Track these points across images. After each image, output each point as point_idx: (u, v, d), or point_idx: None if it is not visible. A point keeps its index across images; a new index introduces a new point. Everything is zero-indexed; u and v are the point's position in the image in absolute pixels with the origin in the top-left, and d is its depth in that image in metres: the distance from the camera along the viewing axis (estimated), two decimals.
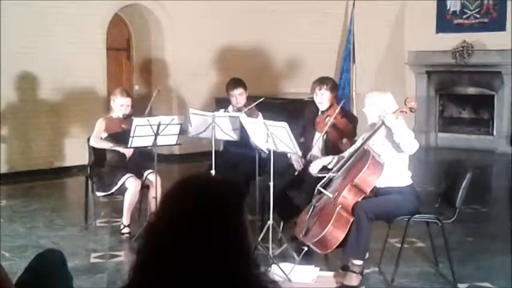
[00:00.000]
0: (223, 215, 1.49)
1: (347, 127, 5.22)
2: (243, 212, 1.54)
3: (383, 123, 4.30)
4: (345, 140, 5.09)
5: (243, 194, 1.59)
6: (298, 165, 5.30)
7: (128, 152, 5.58)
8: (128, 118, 5.63)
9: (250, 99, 5.90)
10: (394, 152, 4.35)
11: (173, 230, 1.47)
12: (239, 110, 5.67)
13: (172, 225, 1.48)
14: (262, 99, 5.46)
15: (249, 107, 5.60)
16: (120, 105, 5.69)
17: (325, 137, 5.27)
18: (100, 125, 5.72)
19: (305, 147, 5.24)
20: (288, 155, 5.20)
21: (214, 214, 1.48)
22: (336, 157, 4.75)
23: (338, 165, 4.50)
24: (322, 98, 5.28)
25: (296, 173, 5.31)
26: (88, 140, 5.86)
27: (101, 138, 5.69)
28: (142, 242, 1.53)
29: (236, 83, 5.91)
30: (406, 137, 4.25)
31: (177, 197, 1.53)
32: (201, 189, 1.53)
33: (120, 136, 5.58)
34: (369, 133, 4.46)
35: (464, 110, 11.08)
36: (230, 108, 5.90)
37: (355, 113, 8.79)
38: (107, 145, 5.66)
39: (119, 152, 5.61)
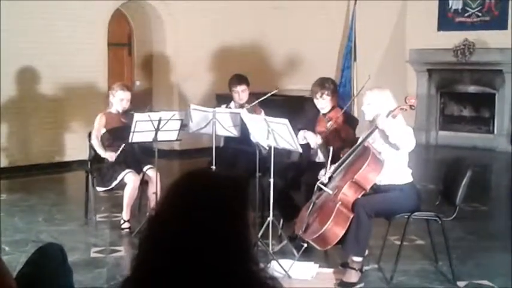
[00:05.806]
0: (226, 210, 1.49)
1: (348, 134, 5.06)
2: (247, 208, 1.53)
3: (376, 127, 4.30)
4: (346, 150, 4.91)
5: (247, 189, 1.59)
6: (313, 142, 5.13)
7: (111, 157, 5.56)
8: (127, 112, 5.63)
9: (251, 95, 5.89)
10: (393, 150, 4.35)
11: (175, 223, 1.47)
12: (241, 106, 5.66)
13: (175, 219, 1.47)
14: (273, 91, 5.33)
15: (252, 104, 5.58)
16: (120, 99, 5.67)
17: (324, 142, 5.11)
18: (100, 120, 5.71)
19: (305, 146, 5.19)
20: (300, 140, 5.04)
21: (217, 209, 1.47)
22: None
23: (337, 163, 4.50)
24: (324, 103, 5.14)
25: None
26: (89, 135, 5.86)
27: (100, 134, 5.70)
28: (144, 235, 1.53)
29: (239, 79, 5.89)
30: (401, 136, 4.25)
31: (181, 191, 1.52)
32: (206, 184, 1.53)
33: (120, 131, 5.58)
34: (366, 133, 4.46)
35: (465, 108, 11.07)
36: (232, 104, 5.90)
37: (355, 110, 8.80)
38: (98, 149, 5.67)
39: (118, 146, 5.59)
